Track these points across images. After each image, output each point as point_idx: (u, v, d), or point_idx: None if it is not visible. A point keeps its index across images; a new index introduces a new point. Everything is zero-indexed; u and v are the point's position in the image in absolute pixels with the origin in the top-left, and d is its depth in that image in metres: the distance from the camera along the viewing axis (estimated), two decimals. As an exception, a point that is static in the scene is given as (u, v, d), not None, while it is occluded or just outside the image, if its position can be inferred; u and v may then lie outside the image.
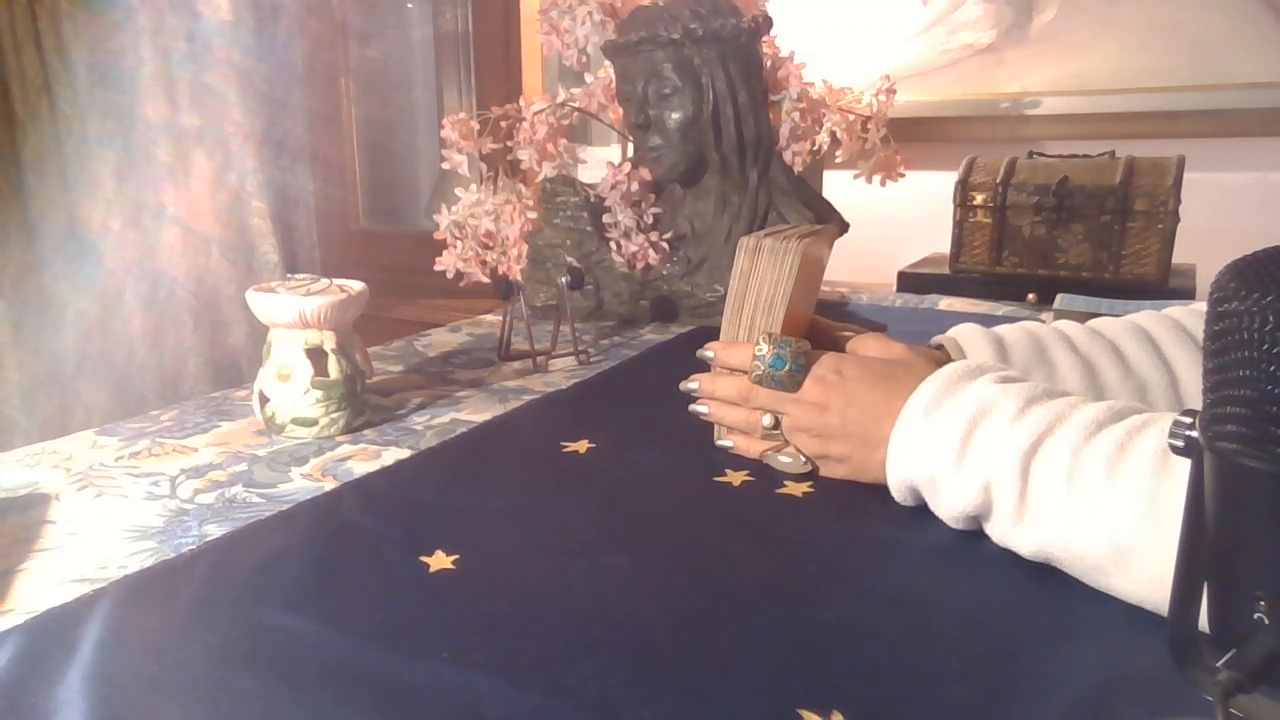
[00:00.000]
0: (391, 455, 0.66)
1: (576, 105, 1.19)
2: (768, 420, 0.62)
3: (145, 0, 1.68)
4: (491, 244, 1.18)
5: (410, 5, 2.37)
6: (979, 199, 1.31)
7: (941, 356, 0.65)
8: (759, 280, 0.63)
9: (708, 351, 0.66)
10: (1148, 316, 0.68)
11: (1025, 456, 0.48)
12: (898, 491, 0.56)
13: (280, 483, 0.61)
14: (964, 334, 0.67)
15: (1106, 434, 0.46)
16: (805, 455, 0.61)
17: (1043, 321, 0.72)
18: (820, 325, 0.71)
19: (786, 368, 0.60)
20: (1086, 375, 0.64)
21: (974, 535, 0.52)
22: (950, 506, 0.52)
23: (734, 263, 0.64)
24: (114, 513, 0.57)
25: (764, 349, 0.61)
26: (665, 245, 1.10)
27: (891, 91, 1.22)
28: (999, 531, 0.50)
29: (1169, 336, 0.65)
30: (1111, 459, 0.44)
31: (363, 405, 0.73)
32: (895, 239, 1.56)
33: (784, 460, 0.62)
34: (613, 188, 1.08)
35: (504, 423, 0.74)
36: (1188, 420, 0.29)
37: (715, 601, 0.45)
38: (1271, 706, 0.27)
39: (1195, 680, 0.29)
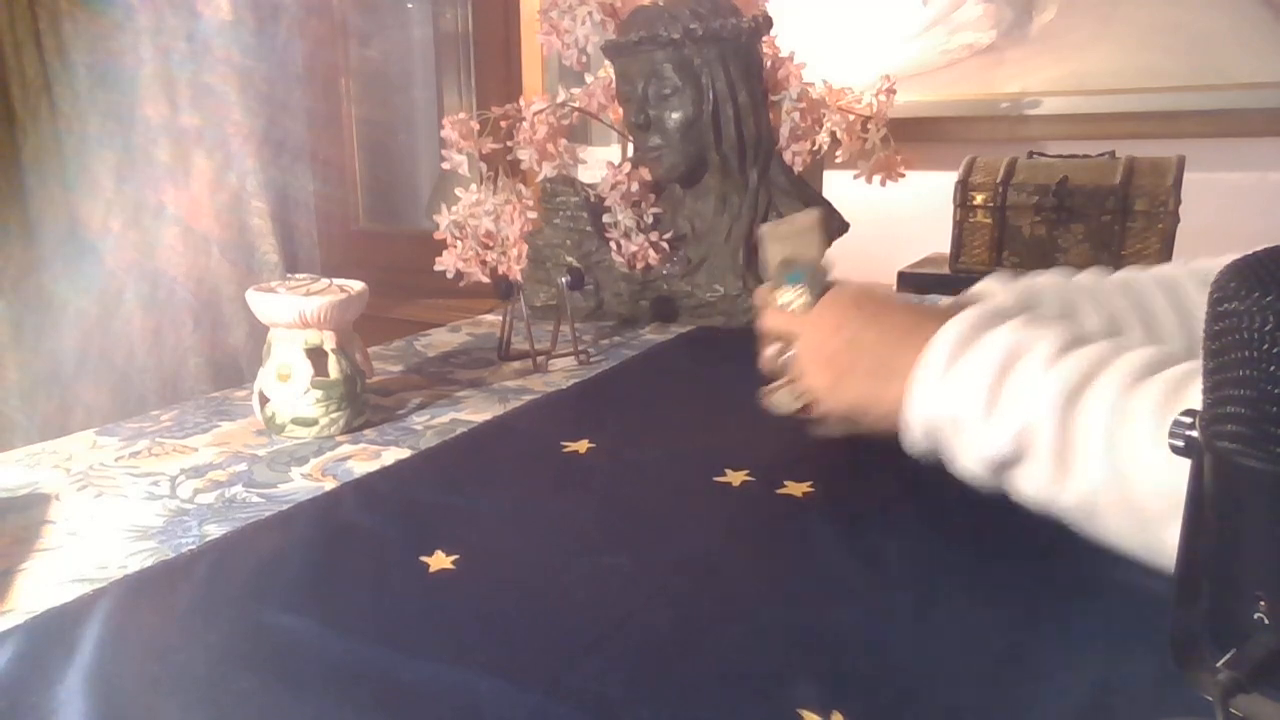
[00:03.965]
0: (391, 455, 0.66)
1: (576, 105, 1.19)
2: (775, 350, 0.58)
3: (145, 0, 1.68)
4: (491, 244, 1.18)
5: (410, 5, 2.37)
6: (979, 199, 1.31)
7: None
8: (787, 245, 0.62)
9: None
10: (1177, 270, 0.64)
11: (1066, 402, 0.44)
12: (914, 433, 0.51)
13: (280, 483, 0.61)
14: (989, 288, 0.63)
15: (1154, 382, 0.43)
16: (806, 396, 0.58)
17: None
18: None
19: (804, 284, 0.57)
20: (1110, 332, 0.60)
21: (974, 535, 0.52)
22: (975, 454, 0.48)
23: (761, 253, 0.63)
24: (114, 513, 0.57)
25: (785, 266, 0.58)
26: (665, 245, 1.10)
27: (891, 91, 1.22)
28: (1034, 482, 0.46)
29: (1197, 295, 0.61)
30: (1161, 406, 0.41)
31: (363, 405, 0.73)
32: (895, 239, 1.56)
33: (781, 398, 0.59)
34: (613, 188, 1.08)
35: (504, 423, 0.74)
36: (1188, 420, 0.29)
37: (715, 602, 0.45)
38: (1271, 706, 0.27)
39: (1195, 680, 0.29)
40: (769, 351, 0.58)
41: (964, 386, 0.48)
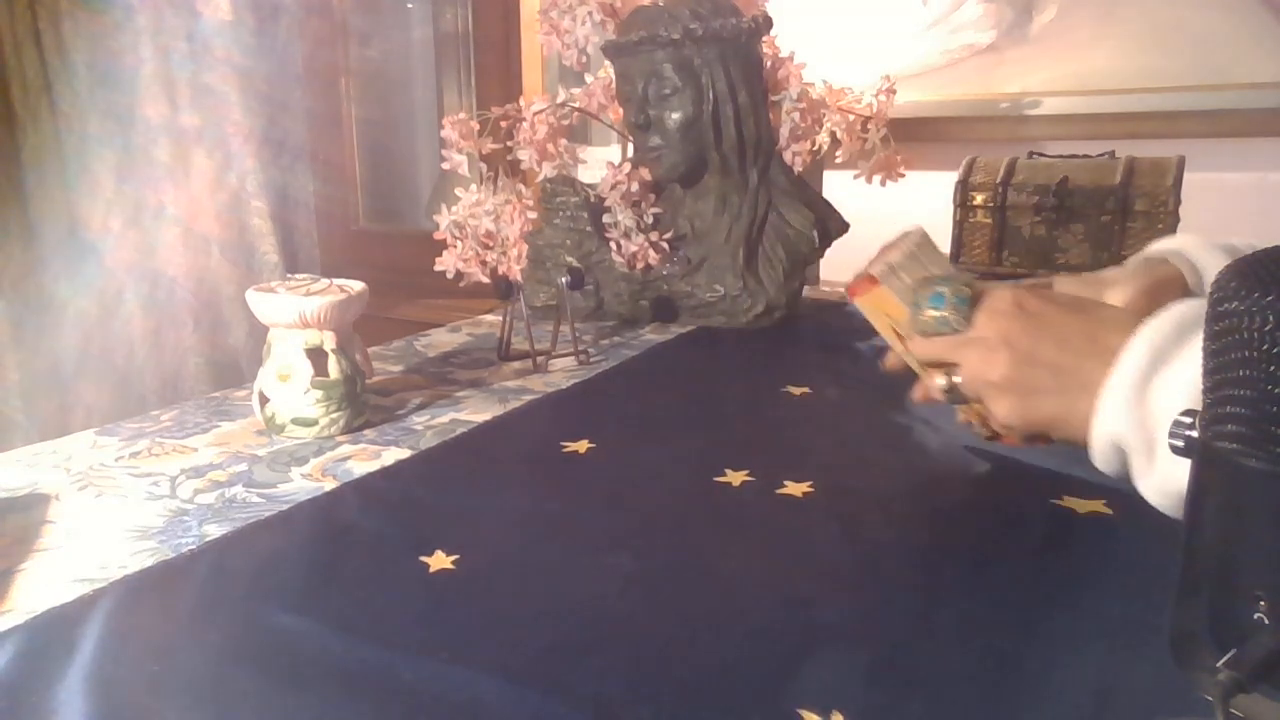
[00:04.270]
0: (391, 455, 0.66)
1: (576, 105, 1.19)
2: (942, 382, 0.52)
3: (145, 0, 1.68)
4: (491, 244, 1.18)
5: (410, 5, 2.37)
6: (979, 199, 1.31)
7: (1159, 279, 0.52)
8: (908, 271, 0.56)
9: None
10: None
11: None
12: (1101, 453, 0.46)
13: (280, 483, 0.61)
14: (1192, 246, 0.57)
15: None
16: (990, 421, 0.52)
17: None
18: None
19: (948, 303, 0.50)
20: None
21: (974, 534, 0.52)
22: (1166, 485, 0.42)
23: (883, 296, 0.56)
24: (114, 513, 0.57)
25: (917, 289, 0.51)
26: (665, 245, 1.10)
27: (891, 91, 1.22)
28: None
29: None
30: None
31: (363, 405, 0.73)
32: (895, 239, 1.56)
33: (974, 429, 0.53)
34: (613, 188, 1.08)
35: (504, 423, 0.74)
36: (1188, 420, 0.29)
37: (715, 602, 0.45)
38: (1271, 706, 0.27)
39: (1195, 680, 0.29)
40: (934, 384, 0.53)
41: (1160, 409, 0.42)
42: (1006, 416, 0.50)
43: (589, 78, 1.24)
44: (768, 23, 1.12)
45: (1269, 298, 0.25)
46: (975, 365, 0.50)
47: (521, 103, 1.18)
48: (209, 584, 0.47)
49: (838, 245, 1.16)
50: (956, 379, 0.52)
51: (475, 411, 0.77)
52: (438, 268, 1.19)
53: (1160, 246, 0.59)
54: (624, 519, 0.55)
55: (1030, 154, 1.33)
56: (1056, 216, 1.26)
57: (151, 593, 0.46)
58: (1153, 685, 0.37)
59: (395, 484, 0.61)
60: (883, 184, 1.25)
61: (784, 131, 1.13)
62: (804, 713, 0.36)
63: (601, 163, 1.14)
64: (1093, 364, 0.45)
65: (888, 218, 1.54)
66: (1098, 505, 0.54)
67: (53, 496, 0.59)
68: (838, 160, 1.21)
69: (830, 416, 0.76)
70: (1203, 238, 0.58)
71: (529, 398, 0.81)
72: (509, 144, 1.19)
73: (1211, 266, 0.56)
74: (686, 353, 1.00)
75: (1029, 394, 0.48)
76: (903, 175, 1.25)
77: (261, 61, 1.87)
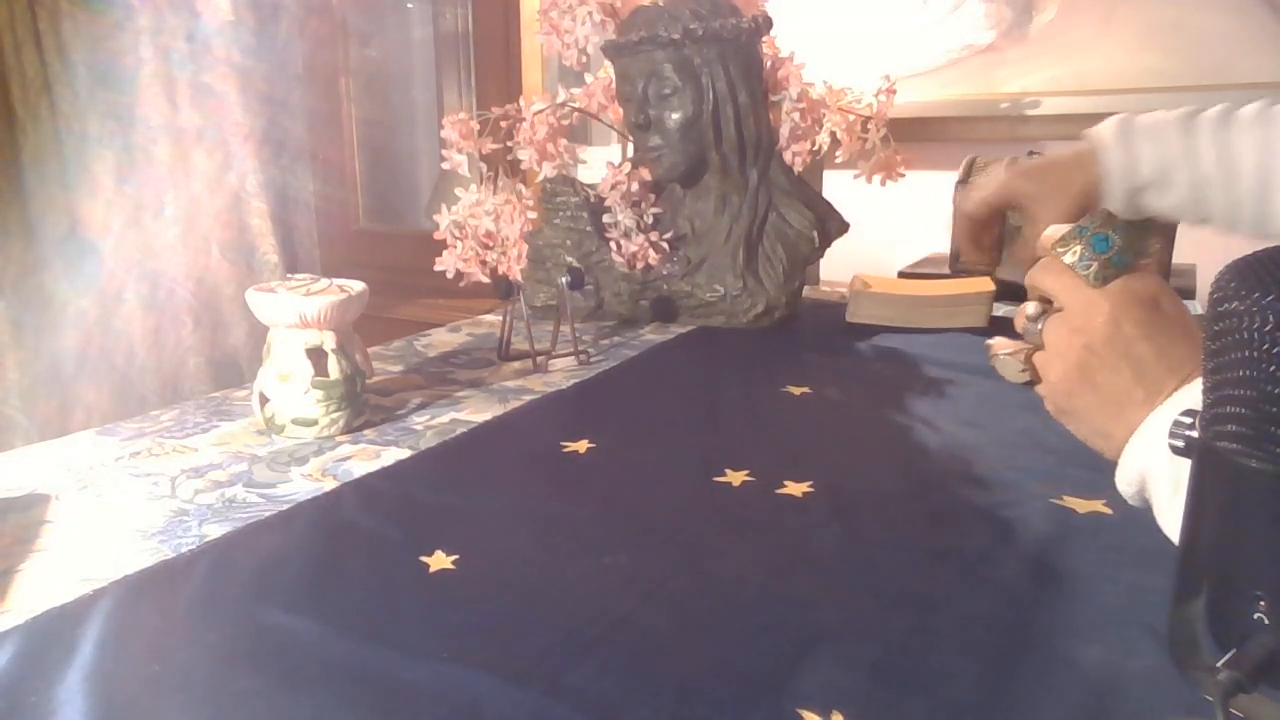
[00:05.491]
0: (391, 455, 0.66)
1: (576, 105, 1.19)
2: (1031, 309, 0.50)
3: (145, 0, 1.68)
4: (491, 244, 1.18)
5: (410, 5, 2.37)
6: (979, 199, 1.31)
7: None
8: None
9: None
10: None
11: None
12: (1125, 477, 0.46)
13: (280, 483, 0.61)
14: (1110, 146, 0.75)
15: None
16: (1034, 373, 0.50)
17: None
18: None
19: (1111, 251, 0.47)
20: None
21: (974, 535, 0.52)
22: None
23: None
24: (114, 513, 0.57)
25: (1093, 220, 0.48)
26: (665, 245, 1.10)
27: (891, 91, 1.22)
28: None
29: None
30: None
31: (363, 405, 0.73)
32: (895, 239, 1.56)
33: (1006, 365, 0.51)
34: (613, 188, 1.08)
35: (504, 423, 0.74)
36: (1188, 420, 0.29)
37: (715, 602, 0.45)
38: (1271, 706, 0.27)
39: (1195, 680, 0.29)
40: (1026, 308, 0.50)
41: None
42: (1054, 390, 0.49)
43: (589, 78, 1.24)
44: (768, 23, 1.12)
45: (1269, 298, 0.25)
46: (1073, 322, 0.48)
47: (521, 103, 1.18)
48: (209, 584, 0.47)
49: (838, 245, 1.16)
50: (1039, 326, 0.50)
51: (475, 411, 0.77)
52: (438, 268, 1.19)
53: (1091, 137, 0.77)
54: (624, 519, 0.55)
55: (1030, 154, 1.33)
56: (1056, 216, 1.26)
57: (151, 593, 0.46)
58: (1153, 685, 0.37)
59: (395, 484, 0.61)
60: (883, 184, 1.25)
61: (784, 131, 1.13)
62: (804, 713, 0.36)
63: (601, 163, 1.14)
64: (1153, 396, 0.45)
65: (888, 218, 1.55)
66: (1098, 505, 0.54)
67: (53, 496, 0.59)
68: (838, 160, 1.21)
69: (830, 416, 0.76)
70: (1126, 121, 0.81)
71: (529, 398, 0.81)
72: (509, 144, 1.19)
73: (1115, 164, 0.74)
74: (686, 353, 1.00)
75: (1088, 386, 0.47)
76: (903, 175, 1.25)
77: (261, 61, 1.87)
